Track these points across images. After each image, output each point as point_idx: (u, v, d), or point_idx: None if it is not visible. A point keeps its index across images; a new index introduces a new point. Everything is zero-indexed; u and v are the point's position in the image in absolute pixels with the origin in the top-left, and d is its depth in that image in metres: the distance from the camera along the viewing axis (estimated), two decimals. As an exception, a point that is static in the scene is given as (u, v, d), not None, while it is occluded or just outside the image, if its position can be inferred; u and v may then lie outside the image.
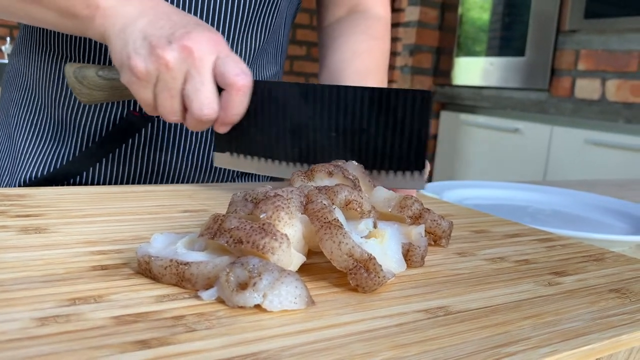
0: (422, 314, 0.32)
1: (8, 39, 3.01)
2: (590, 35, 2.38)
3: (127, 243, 0.39)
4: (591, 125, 2.34)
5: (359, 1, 0.80)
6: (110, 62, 0.66)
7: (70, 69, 0.58)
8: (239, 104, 0.52)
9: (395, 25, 3.27)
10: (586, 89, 2.38)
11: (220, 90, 0.52)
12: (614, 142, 2.21)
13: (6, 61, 1.81)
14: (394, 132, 0.52)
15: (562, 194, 0.83)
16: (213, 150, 0.62)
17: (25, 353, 0.24)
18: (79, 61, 0.67)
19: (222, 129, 0.54)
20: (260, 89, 0.54)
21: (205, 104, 0.51)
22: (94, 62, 0.66)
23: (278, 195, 0.36)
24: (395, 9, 3.32)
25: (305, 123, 0.54)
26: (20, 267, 0.33)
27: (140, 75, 0.51)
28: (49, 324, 0.27)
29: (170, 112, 0.53)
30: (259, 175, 0.81)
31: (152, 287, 0.32)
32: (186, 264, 0.32)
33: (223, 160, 0.59)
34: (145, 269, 0.33)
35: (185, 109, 0.53)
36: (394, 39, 3.27)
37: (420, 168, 0.52)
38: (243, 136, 0.56)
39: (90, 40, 0.65)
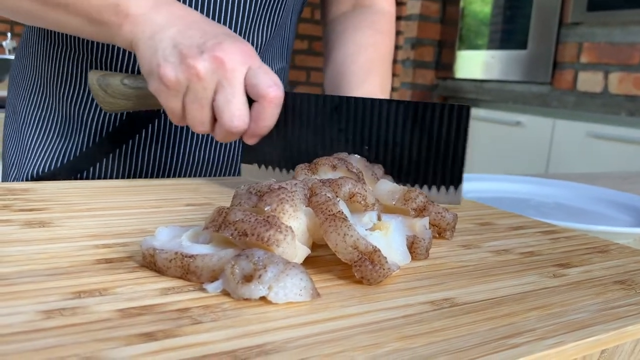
0: (427, 305, 0.32)
1: (9, 34, 3.01)
2: (593, 27, 2.37)
3: (132, 236, 0.39)
4: (593, 118, 2.34)
5: None
6: (130, 68, 0.65)
7: (94, 76, 0.57)
8: (270, 115, 0.51)
9: (397, 18, 3.26)
10: (589, 82, 2.38)
11: (250, 101, 0.51)
12: (617, 135, 2.21)
13: (7, 56, 1.81)
14: (429, 147, 0.51)
15: (565, 186, 0.83)
16: (240, 162, 0.62)
17: (32, 345, 0.24)
18: (88, 57, 0.66)
19: (252, 141, 0.53)
20: (290, 101, 0.54)
21: (237, 116, 0.50)
22: (105, 58, 0.66)
23: (282, 188, 0.36)
24: (397, 3, 3.30)
25: (337, 136, 0.53)
26: (25, 261, 0.33)
27: (170, 84, 0.50)
28: (55, 317, 0.27)
29: (199, 122, 0.52)
30: None
31: (157, 280, 0.32)
32: (191, 256, 0.32)
33: (251, 172, 0.58)
34: (150, 262, 0.33)
35: (214, 119, 0.52)
36: (396, 32, 3.26)
37: (457, 183, 0.51)
38: (272, 148, 0.55)
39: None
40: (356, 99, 0.52)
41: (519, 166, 2.63)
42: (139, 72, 0.64)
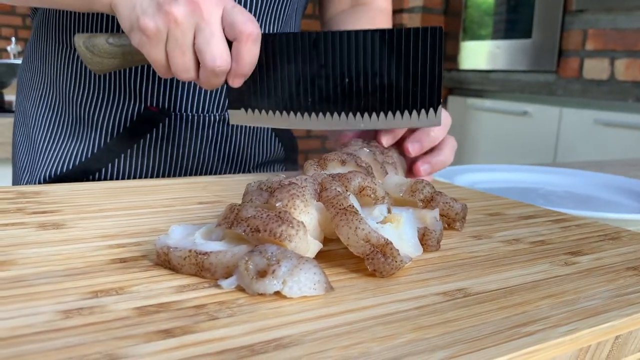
0: (440, 296, 0.32)
1: (13, 39, 3.02)
2: (597, 14, 2.35)
3: (145, 236, 0.40)
4: (600, 106, 2.32)
5: None
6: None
7: (79, 39, 0.58)
8: (249, 52, 0.52)
9: (399, 11, 3.25)
10: (595, 69, 2.36)
11: (230, 44, 0.52)
12: (624, 121, 2.20)
13: (12, 61, 1.82)
14: (407, 72, 0.52)
15: (573, 174, 0.83)
16: (227, 109, 0.63)
17: (53, 345, 0.24)
18: None
19: (236, 82, 0.55)
20: (269, 42, 0.55)
21: (218, 55, 0.51)
22: None
23: (293, 183, 0.36)
24: (399, -5, 3.29)
25: (318, 72, 0.54)
26: (41, 262, 0.34)
27: (151, 34, 0.51)
28: (73, 316, 0.27)
29: (183, 69, 0.53)
30: (272, 165, 0.81)
31: (172, 277, 0.33)
32: (205, 253, 0.32)
33: (238, 117, 0.59)
34: (165, 260, 0.33)
35: (198, 65, 0.53)
36: (399, 26, 3.25)
37: (436, 105, 0.52)
38: (256, 91, 0.57)
39: (105, 29, 0.65)
40: (333, 32, 0.53)
41: (527, 156, 2.62)
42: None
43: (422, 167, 0.56)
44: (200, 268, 0.32)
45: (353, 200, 0.37)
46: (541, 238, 0.45)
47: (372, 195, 0.40)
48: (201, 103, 0.69)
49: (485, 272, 0.36)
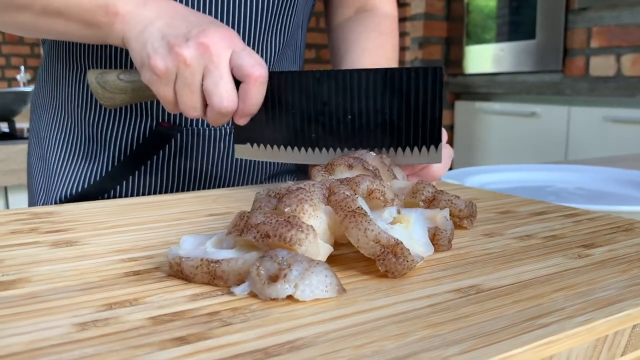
0: (453, 293, 0.32)
1: (22, 67, 3.07)
2: (601, 11, 2.35)
3: (157, 249, 0.40)
4: (609, 103, 2.31)
5: (366, 1, 0.81)
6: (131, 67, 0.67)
7: (92, 75, 0.60)
8: (256, 94, 0.54)
9: (401, 19, 3.26)
10: (601, 66, 2.35)
11: (237, 83, 0.54)
12: (633, 117, 2.18)
13: (22, 89, 1.85)
14: (408, 110, 0.53)
15: (583, 170, 0.82)
16: (233, 143, 0.64)
17: (70, 356, 0.24)
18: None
19: (242, 121, 0.56)
20: (274, 80, 0.56)
21: (225, 97, 0.52)
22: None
23: (300, 188, 0.36)
24: (400, 4, 3.31)
25: (321, 109, 0.55)
26: (56, 279, 0.34)
27: (160, 73, 0.52)
28: (89, 328, 0.27)
29: (191, 107, 0.54)
30: (283, 176, 0.82)
31: (185, 287, 0.33)
32: (217, 261, 0.32)
33: (244, 151, 0.60)
34: (177, 271, 0.34)
35: (205, 103, 0.54)
36: (402, 34, 3.27)
37: (436, 142, 0.52)
38: (262, 127, 0.58)
39: (115, 54, 0.67)
40: (336, 71, 0.55)
41: (538, 157, 2.61)
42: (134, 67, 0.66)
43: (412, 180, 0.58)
44: (212, 276, 0.32)
45: (362, 203, 0.37)
46: (553, 233, 0.45)
47: (381, 198, 0.40)
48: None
49: (498, 268, 0.36)
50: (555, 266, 0.37)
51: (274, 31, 0.70)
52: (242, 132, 0.59)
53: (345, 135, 0.55)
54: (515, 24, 2.76)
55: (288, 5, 0.70)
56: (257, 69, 0.52)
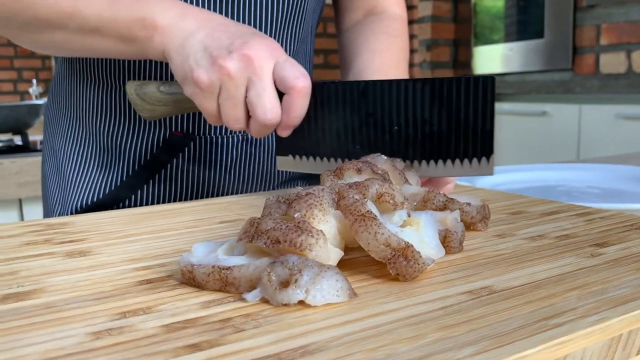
0: (465, 295, 0.32)
1: (34, 81, 3.10)
2: (609, 8, 2.33)
3: (169, 257, 0.40)
4: (620, 100, 2.29)
5: (375, 3, 0.81)
6: (163, 78, 0.68)
7: (131, 87, 0.59)
8: (300, 106, 0.53)
9: (409, 22, 3.26)
10: (611, 63, 2.34)
11: (280, 95, 0.53)
12: (646, 114, 2.16)
13: (34, 102, 1.87)
14: (457, 121, 0.51)
15: (595, 169, 0.82)
16: (276, 154, 0.63)
17: (84, 365, 0.25)
18: (120, 88, 0.69)
19: (285, 133, 0.55)
20: (318, 90, 0.55)
21: (269, 109, 0.52)
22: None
23: (310, 193, 0.36)
24: (407, 7, 3.31)
25: (366, 120, 0.54)
26: (70, 289, 0.34)
27: (204, 86, 0.52)
28: (103, 337, 0.27)
29: (234, 120, 0.54)
30: (296, 182, 0.82)
31: (198, 294, 0.33)
32: (228, 268, 0.32)
33: (286, 163, 0.59)
34: (189, 278, 0.34)
35: (248, 116, 0.54)
36: (410, 37, 3.26)
37: (488, 154, 0.51)
38: (305, 138, 0.57)
39: (130, 65, 0.67)
40: (382, 81, 0.53)
41: (549, 156, 2.59)
42: (172, 79, 0.66)
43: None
44: (224, 283, 0.33)
45: (371, 207, 0.37)
46: (565, 232, 0.45)
47: (391, 201, 0.40)
48: (224, 125, 0.71)
49: (510, 269, 0.36)
50: (567, 266, 0.37)
51: (286, 37, 0.70)
52: (284, 144, 0.58)
53: (391, 146, 0.54)
54: (524, 23, 2.76)
55: (298, 10, 0.70)
56: (300, 81, 0.52)
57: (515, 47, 2.78)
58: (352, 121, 0.55)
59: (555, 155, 2.56)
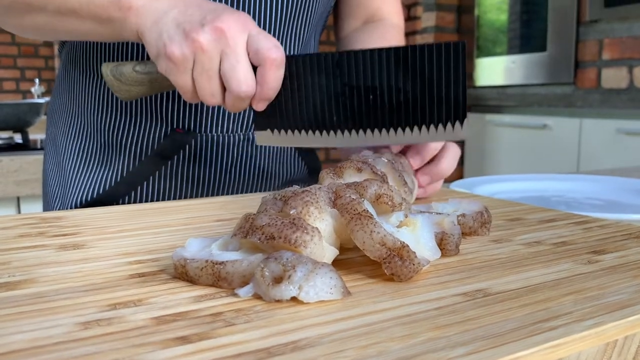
0: (460, 297, 0.32)
1: (37, 80, 3.11)
2: (612, 23, 2.34)
3: (163, 252, 0.40)
4: (621, 115, 2.29)
5: (374, 12, 0.82)
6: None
7: (107, 68, 0.59)
8: (274, 77, 0.53)
9: (412, 33, 3.27)
10: (613, 78, 2.34)
11: (254, 68, 0.53)
12: (647, 129, 2.16)
13: (35, 100, 1.87)
14: (431, 87, 0.52)
15: (593, 180, 0.81)
16: (253, 130, 0.63)
17: (71, 354, 0.24)
18: None
19: (260, 106, 0.55)
20: (292, 63, 0.55)
21: (243, 81, 0.52)
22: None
23: (306, 191, 0.36)
24: (411, 18, 3.32)
25: (342, 90, 0.55)
26: (61, 280, 0.34)
27: (177, 60, 0.52)
28: (92, 327, 0.27)
29: (209, 93, 0.54)
30: (298, 184, 0.81)
31: (190, 289, 0.33)
32: (221, 263, 0.32)
33: (264, 138, 0.59)
34: (182, 273, 0.33)
35: (224, 90, 0.54)
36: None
37: (461, 118, 0.52)
38: (281, 112, 0.57)
39: (131, 56, 0.67)
40: (355, 52, 0.54)
41: (549, 170, 2.59)
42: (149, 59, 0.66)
43: (421, 177, 0.58)
44: (217, 278, 0.32)
45: (368, 206, 0.37)
46: (563, 239, 0.44)
47: (389, 203, 0.40)
48: (226, 123, 0.70)
49: (506, 273, 0.36)
50: (564, 271, 0.36)
51: (289, 38, 0.71)
52: (261, 119, 0.58)
53: (367, 116, 0.54)
54: (526, 36, 2.76)
55: (304, 10, 0.70)
56: (273, 52, 0.52)
57: (518, 59, 2.78)
58: (327, 92, 0.55)
59: (555, 169, 2.56)
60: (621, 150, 2.27)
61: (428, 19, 3.21)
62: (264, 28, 0.68)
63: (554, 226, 0.49)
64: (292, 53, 0.72)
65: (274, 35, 0.69)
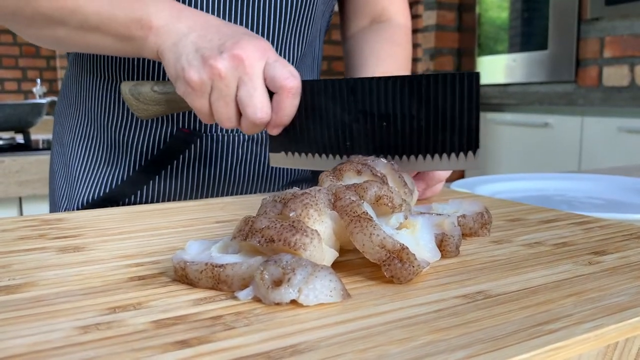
0: (460, 299, 0.32)
1: (38, 80, 3.11)
2: (614, 21, 2.33)
3: (163, 254, 0.40)
4: (623, 113, 2.29)
5: (381, 12, 0.82)
6: (162, 79, 0.68)
7: (125, 87, 0.60)
8: (289, 105, 0.54)
9: (413, 31, 3.27)
10: (614, 76, 2.34)
11: (270, 94, 0.54)
12: (649, 127, 2.16)
13: (37, 101, 1.87)
14: (444, 116, 0.52)
15: (595, 179, 0.81)
16: (268, 152, 0.64)
17: (70, 358, 0.24)
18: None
19: (275, 131, 0.56)
20: (307, 88, 0.56)
21: (259, 108, 0.53)
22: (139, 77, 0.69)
23: (306, 193, 0.36)
24: (412, 16, 3.32)
25: (356, 116, 0.55)
26: (60, 283, 0.34)
27: (195, 85, 0.53)
28: (91, 331, 0.27)
29: (226, 118, 0.55)
30: (300, 184, 0.82)
31: (190, 292, 0.33)
32: (221, 266, 0.32)
33: (278, 159, 0.60)
34: (182, 275, 0.33)
35: (240, 114, 0.55)
36: (414, 45, 3.27)
37: (474, 148, 0.52)
38: (296, 135, 0.58)
39: (139, 63, 0.67)
40: (370, 79, 0.54)
41: (551, 168, 2.59)
42: (167, 79, 0.67)
43: (416, 183, 0.58)
44: (216, 281, 0.32)
45: (367, 208, 0.37)
46: (564, 240, 0.44)
47: (389, 204, 0.40)
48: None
49: (506, 275, 0.36)
50: (564, 273, 0.36)
51: (293, 38, 0.71)
52: (276, 141, 0.59)
53: (380, 142, 0.55)
54: (527, 35, 2.76)
55: (307, 12, 0.70)
56: (290, 81, 0.53)
57: (519, 58, 2.78)
58: (342, 118, 0.56)
59: (557, 167, 2.56)
60: (623, 148, 2.26)
61: (429, 18, 3.21)
62: (269, 27, 0.68)
63: (555, 227, 0.49)
64: (298, 54, 0.72)
65: (279, 35, 0.69)
